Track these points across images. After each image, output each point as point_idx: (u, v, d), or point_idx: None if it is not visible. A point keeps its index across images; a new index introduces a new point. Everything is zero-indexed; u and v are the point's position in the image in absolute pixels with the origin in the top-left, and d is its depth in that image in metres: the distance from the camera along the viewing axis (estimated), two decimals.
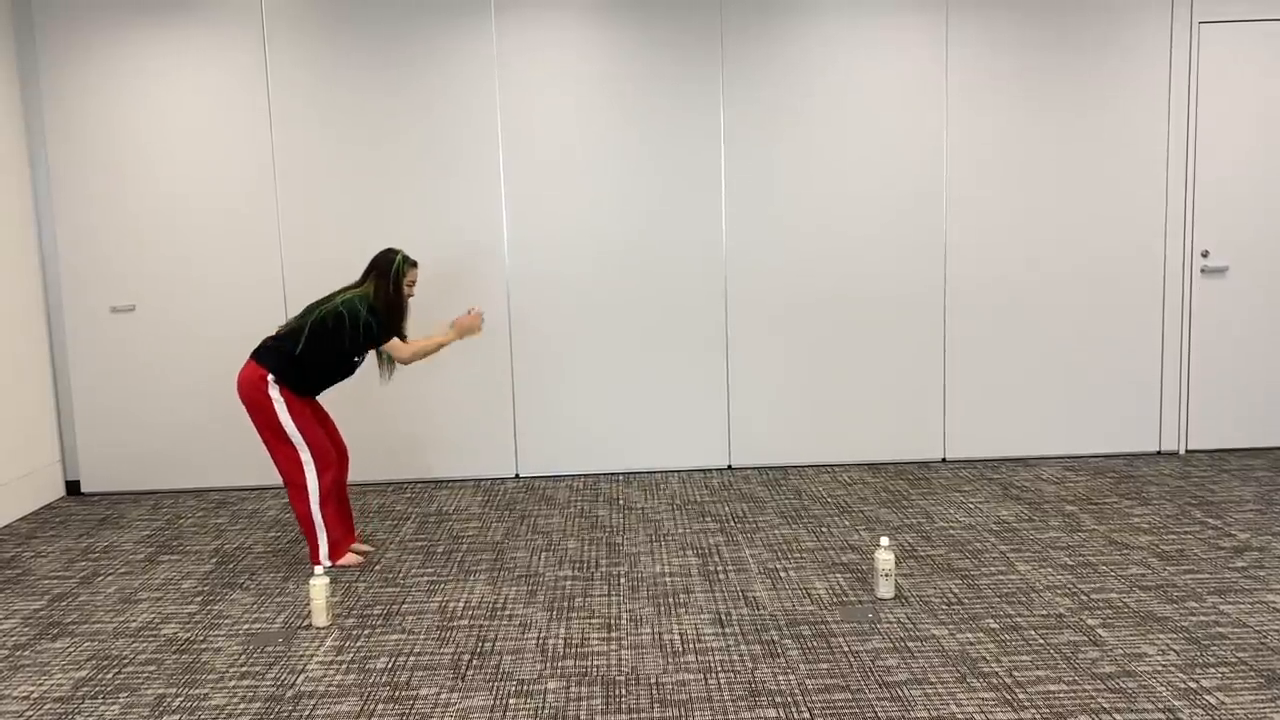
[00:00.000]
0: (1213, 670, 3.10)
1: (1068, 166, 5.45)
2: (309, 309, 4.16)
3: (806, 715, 2.91)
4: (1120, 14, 5.36)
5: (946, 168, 5.42)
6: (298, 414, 4.08)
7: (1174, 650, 3.24)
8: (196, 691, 3.17)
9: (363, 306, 4.10)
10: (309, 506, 4.12)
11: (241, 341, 5.37)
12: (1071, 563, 4.04)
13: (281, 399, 4.04)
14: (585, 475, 5.56)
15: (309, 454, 4.10)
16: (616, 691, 3.09)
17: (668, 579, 4.00)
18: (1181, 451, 5.64)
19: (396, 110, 5.29)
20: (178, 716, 3.01)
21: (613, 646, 3.40)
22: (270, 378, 4.04)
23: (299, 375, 4.09)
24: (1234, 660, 3.16)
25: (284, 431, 4.07)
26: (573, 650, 3.38)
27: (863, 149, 5.40)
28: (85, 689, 3.21)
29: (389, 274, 4.18)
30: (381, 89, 5.28)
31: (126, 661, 3.40)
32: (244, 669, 3.32)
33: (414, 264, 4.26)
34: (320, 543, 4.16)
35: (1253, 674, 3.07)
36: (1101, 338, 5.55)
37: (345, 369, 4.20)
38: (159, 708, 3.07)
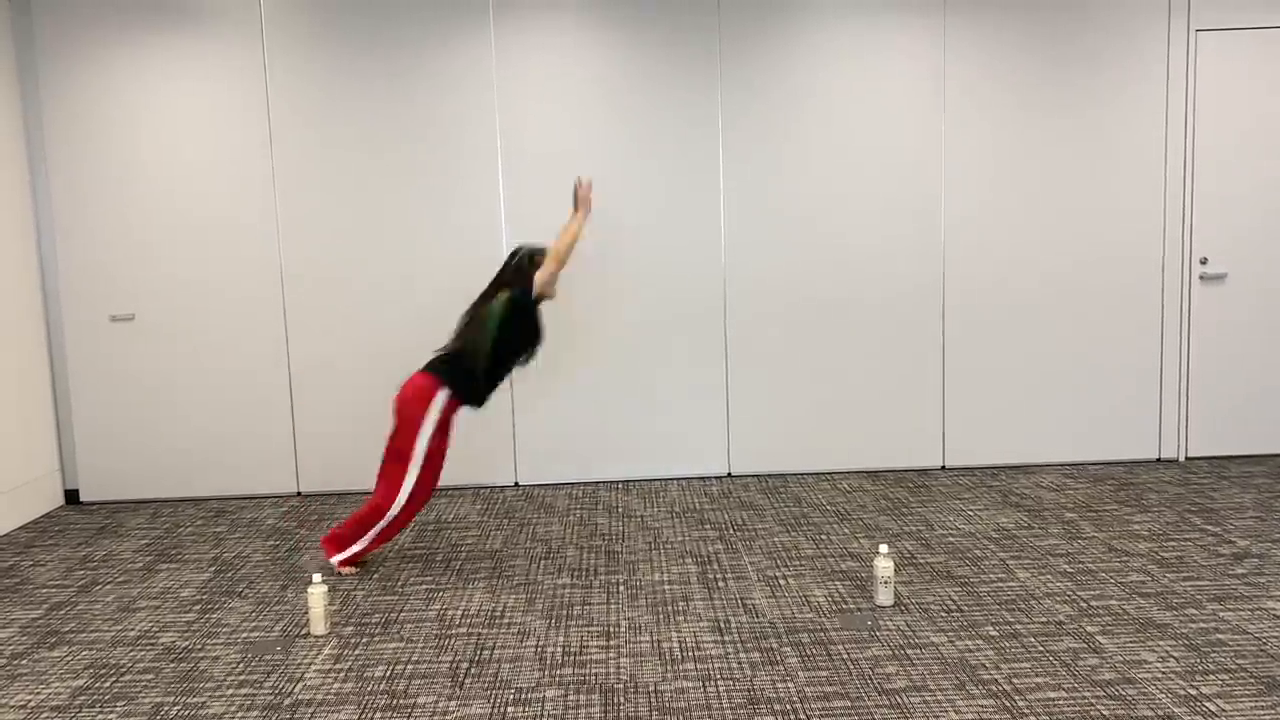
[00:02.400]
0: (1212, 677, 3.09)
1: (1066, 174, 5.45)
2: (470, 322, 4.23)
3: None
4: (1117, 22, 5.38)
5: (945, 175, 5.43)
6: (435, 444, 4.14)
7: (1174, 657, 3.24)
8: (194, 700, 3.16)
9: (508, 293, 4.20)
10: (376, 519, 4.16)
11: (242, 350, 5.38)
12: (1071, 570, 4.03)
13: (437, 416, 4.12)
14: (584, 483, 5.56)
15: (410, 488, 4.14)
16: (615, 699, 3.08)
17: (667, 587, 3.99)
18: (1181, 459, 5.64)
19: (395, 118, 5.30)
20: None
21: (611, 654, 3.40)
22: (442, 390, 4.12)
23: (470, 385, 4.16)
24: (1234, 667, 3.16)
25: (411, 451, 4.11)
26: (571, 658, 3.38)
27: (861, 155, 5.41)
28: (83, 698, 3.20)
29: (514, 264, 4.25)
30: (380, 97, 5.29)
31: (124, 670, 3.40)
32: (242, 677, 3.31)
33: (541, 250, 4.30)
34: (353, 548, 4.19)
35: (1253, 681, 3.06)
36: (1101, 344, 5.55)
37: (513, 360, 4.27)
38: (157, 716, 3.06)
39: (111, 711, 3.10)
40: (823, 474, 5.58)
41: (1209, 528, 4.49)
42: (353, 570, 4.24)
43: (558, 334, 5.44)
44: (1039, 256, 5.50)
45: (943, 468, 5.61)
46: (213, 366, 5.41)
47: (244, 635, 3.66)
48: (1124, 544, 4.31)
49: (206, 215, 5.34)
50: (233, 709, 3.09)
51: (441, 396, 4.12)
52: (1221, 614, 3.56)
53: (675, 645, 3.45)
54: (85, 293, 5.37)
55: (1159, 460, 5.64)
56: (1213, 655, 3.24)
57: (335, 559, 4.22)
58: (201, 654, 3.50)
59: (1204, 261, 5.53)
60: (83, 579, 4.31)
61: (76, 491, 5.51)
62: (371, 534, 4.18)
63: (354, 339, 5.42)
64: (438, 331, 5.39)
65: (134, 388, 5.43)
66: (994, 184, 5.45)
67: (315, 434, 5.46)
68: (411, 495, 4.15)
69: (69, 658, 3.51)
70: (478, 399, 4.23)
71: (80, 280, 5.36)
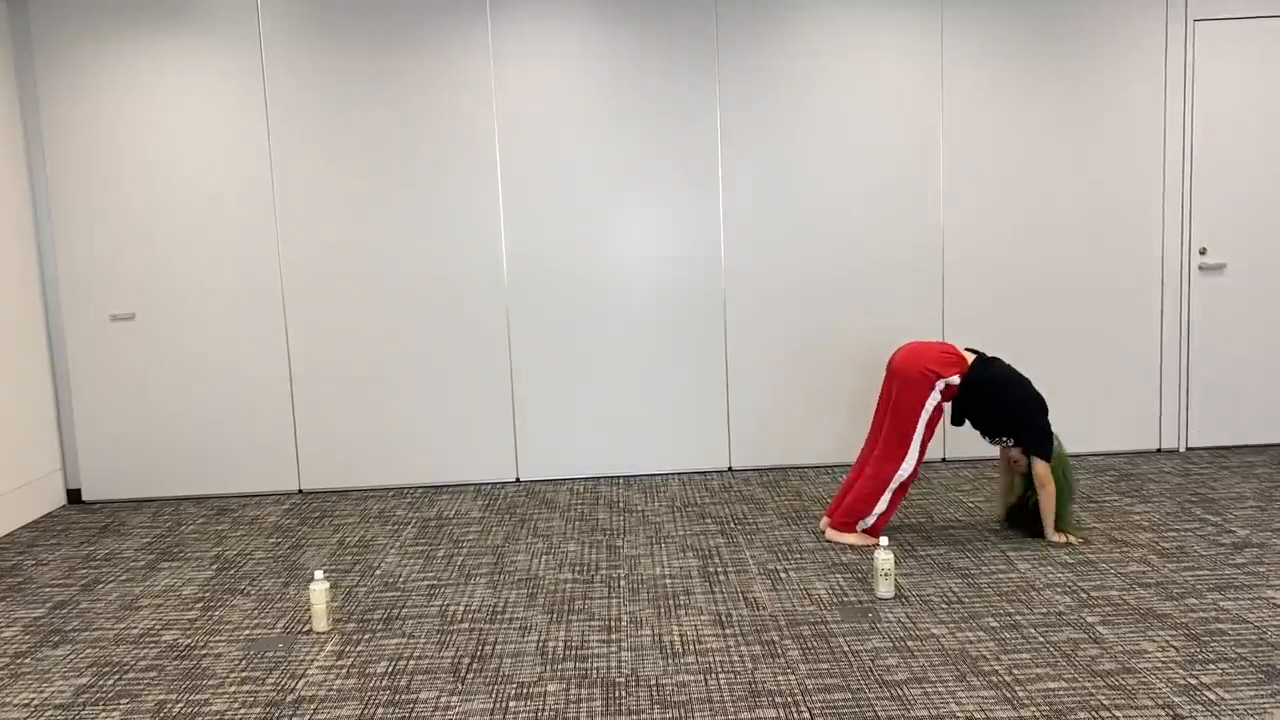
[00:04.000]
0: (1212, 666, 3.10)
1: (1064, 164, 5.45)
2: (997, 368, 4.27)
3: (806, 715, 2.91)
4: (1115, 11, 5.37)
5: (942, 165, 5.43)
6: (931, 426, 4.20)
7: (1174, 647, 3.24)
8: (197, 697, 3.17)
9: (1037, 411, 4.23)
10: (884, 484, 4.23)
11: (242, 348, 5.39)
12: (1071, 561, 4.03)
13: (933, 407, 4.17)
14: (586, 479, 5.56)
15: (911, 465, 4.21)
16: (616, 693, 3.09)
17: (668, 581, 4.00)
18: (1182, 449, 5.64)
19: (394, 115, 5.30)
20: None
21: (613, 649, 3.41)
22: (942, 384, 4.16)
23: (965, 404, 4.23)
24: (1234, 656, 3.16)
25: (908, 426, 4.19)
26: (573, 652, 3.39)
27: (859, 145, 5.41)
28: (86, 696, 3.21)
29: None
30: (378, 95, 5.29)
31: (127, 668, 3.41)
32: (245, 674, 3.32)
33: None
34: (875, 511, 4.26)
35: (1252, 669, 3.07)
36: (1100, 335, 5.55)
37: (991, 429, 4.30)
38: (160, 714, 3.07)
39: (115, 709, 3.12)
40: (823, 467, 5.59)
41: (1209, 517, 4.49)
42: (870, 542, 4.31)
43: (558, 330, 5.44)
44: (1038, 247, 5.50)
45: (944, 460, 5.62)
46: (213, 364, 5.42)
47: (246, 632, 3.67)
48: (1124, 534, 4.31)
49: (205, 214, 5.34)
50: (235, 706, 3.10)
51: (938, 392, 4.19)
52: (1221, 603, 3.56)
53: (676, 639, 3.46)
54: (85, 292, 5.38)
55: (1159, 451, 5.64)
56: (1212, 644, 3.25)
57: (857, 529, 4.32)
58: (204, 651, 3.52)
59: (1203, 252, 5.53)
60: (85, 578, 4.32)
61: (79, 491, 5.52)
62: (887, 496, 4.25)
63: (354, 335, 5.43)
64: (437, 327, 5.41)
65: (135, 387, 5.44)
66: (991, 174, 5.45)
67: (316, 431, 5.47)
68: (913, 469, 4.22)
69: (72, 656, 3.52)
70: (959, 419, 4.31)
71: (80, 280, 5.37)
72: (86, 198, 5.32)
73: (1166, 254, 5.52)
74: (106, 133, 5.29)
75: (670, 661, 3.28)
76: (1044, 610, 3.57)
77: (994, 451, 5.56)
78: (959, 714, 2.87)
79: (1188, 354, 5.58)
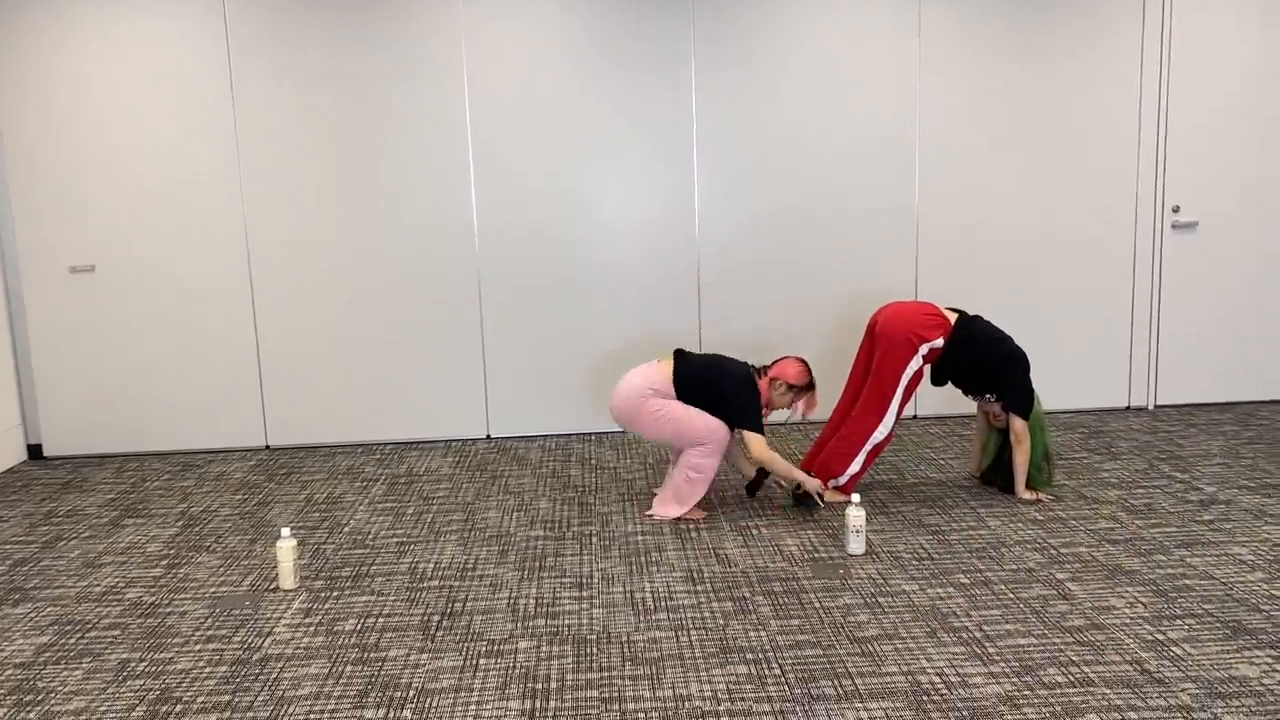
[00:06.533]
0: (1180, 622, 3.12)
1: (1039, 122, 5.41)
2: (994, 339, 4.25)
3: (778, 671, 2.91)
4: None
5: (918, 125, 5.38)
6: (910, 389, 4.16)
7: (1142, 603, 3.26)
8: (161, 656, 3.12)
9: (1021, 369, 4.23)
10: (859, 444, 4.21)
11: (206, 301, 5.28)
12: (1041, 518, 4.05)
13: (914, 370, 4.13)
14: (557, 435, 5.53)
15: (887, 428, 4.19)
16: (588, 650, 3.07)
17: (639, 538, 3.98)
18: (1150, 407, 5.68)
19: (362, 73, 5.16)
20: (142, 681, 2.97)
21: (584, 605, 3.39)
22: (925, 348, 4.11)
23: (950, 363, 4.22)
24: (1200, 612, 3.19)
25: (888, 388, 4.15)
26: (544, 610, 3.37)
27: (836, 105, 5.33)
28: (47, 655, 3.16)
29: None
30: (346, 51, 5.14)
31: (90, 626, 3.35)
32: (210, 633, 3.27)
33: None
34: (848, 471, 4.25)
35: (1219, 625, 3.10)
36: (1071, 293, 5.56)
37: (974, 386, 4.31)
38: (123, 672, 3.02)
39: (77, 668, 3.06)
40: (796, 424, 5.58)
41: (1177, 475, 4.53)
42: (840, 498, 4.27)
43: (528, 285, 5.37)
44: (1010, 205, 5.47)
45: (914, 416, 5.62)
46: (177, 317, 5.31)
47: (212, 590, 3.61)
48: (1093, 491, 4.34)
49: (168, 165, 5.20)
50: (200, 664, 3.06)
51: (920, 356, 4.15)
52: (1189, 560, 3.59)
53: (648, 595, 3.44)
54: (42, 244, 5.23)
55: (1128, 408, 5.67)
56: (1180, 600, 3.27)
57: (830, 485, 4.28)
58: (169, 609, 3.46)
59: (1176, 210, 5.53)
60: (47, 534, 4.24)
61: (40, 446, 5.41)
62: (862, 455, 4.23)
63: (323, 288, 5.33)
64: (408, 282, 5.32)
65: (97, 340, 5.32)
66: (967, 133, 5.40)
67: (284, 386, 5.39)
68: (888, 433, 4.22)
69: (33, 614, 3.46)
70: (940, 380, 4.34)
71: (36, 231, 5.22)
72: (41, 148, 5.15)
73: (1140, 212, 5.51)
74: (62, 82, 5.11)
75: (642, 618, 3.27)
76: (1014, 567, 3.58)
77: (964, 408, 5.57)
78: (930, 670, 2.88)
79: (1159, 312, 5.59)
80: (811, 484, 4.13)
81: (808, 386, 4.16)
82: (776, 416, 5.52)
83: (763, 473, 4.32)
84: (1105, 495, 4.29)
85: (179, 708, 2.81)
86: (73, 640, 3.25)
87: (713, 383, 4.09)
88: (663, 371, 4.12)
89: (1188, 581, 3.41)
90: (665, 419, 4.05)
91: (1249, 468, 4.59)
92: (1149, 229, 5.53)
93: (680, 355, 4.18)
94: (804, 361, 4.18)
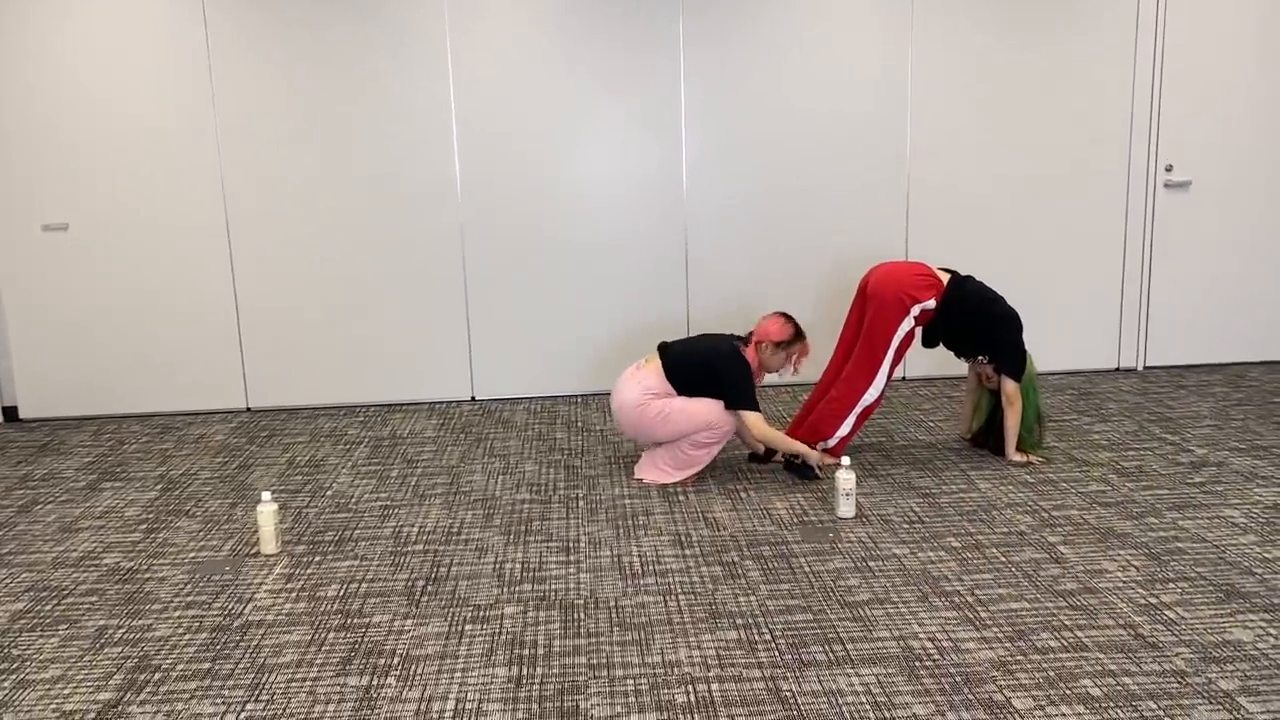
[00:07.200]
0: (1172, 585, 3.10)
1: (1031, 81, 5.32)
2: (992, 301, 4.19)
3: (768, 636, 2.87)
4: None
5: (910, 83, 5.28)
6: (901, 351, 4.10)
7: (1134, 566, 3.24)
8: (140, 623, 3.06)
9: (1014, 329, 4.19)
10: (849, 406, 4.13)
11: (184, 260, 5.16)
12: (1032, 480, 4.02)
13: (905, 332, 4.07)
14: (543, 398, 5.46)
15: (877, 391, 4.12)
16: (575, 615, 3.03)
17: (626, 501, 3.93)
18: (1139, 368, 5.65)
19: (343, 26, 5.01)
20: (120, 649, 2.91)
21: (571, 570, 3.34)
22: (917, 309, 4.03)
23: (943, 323, 4.15)
24: (1193, 575, 3.16)
25: (879, 349, 4.07)
26: (530, 574, 3.32)
27: (826, 63, 5.23)
28: (23, 621, 3.09)
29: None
30: (328, 12, 5.00)
31: (67, 592, 3.28)
32: (189, 599, 3.21)
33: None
34: (837, 433, 4.17)
35: (1211, 588, 3.07)
36: (1062, 252, 5.50)
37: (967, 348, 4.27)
38: (100, 639, 2.96)
39: (53, 635, 3.00)
40: (782, 386, 5.53)
41: (1168, 437, 4.50)
42: (833, 464, 4.16)
43: (512, 245, 5.27)
44: (1002, 164, 5.39)
45: (904, 378, 5.58)
46: (155, 276, 5.20)
47: (191, 555, 3.55)
48: (1084, 454, 4.30)
49: (142, 122, 5.06)
50: (180, 631, 3.00)
51: (911, 318, 4.08)
52: (1181, 522, 3.57)
53: (636, 559, 3.40)
54: (13, 201, 5.09)
55: (1117, 370, 5.64)
56: (1172, 564, 3.25)
57: (818, 448, 4.20)
58: (147, 575, 3.40)
59: (1169, 169, 5.46)
60: (22, 499, 4.16)
61: (15, 408, 5.31)
62: (852, 417, 4.16)
63: (303, 248, 5.22)
64: (390, 242, 5.22)
65: (72, 300, 5.20)
66: (958, 91, 5.30)
67: (265, 347, 5.29)
68: (877, 397, 4.16)
69: (8, 580, 3.39)
70: (930, 342, 4.29)
71: (6, 189, 5.08)
72: (11, 103, 5.00)
73: (1132, 171, 5.45)
74: (33, 35, 4.94)
75: (629, 582, 3.23)
76: (1005, 530, 3.55)
77: (953, 370, 5.53)
78: (922, 635, 2.85)
79: (1150, 272, 5.55)
80: (813, 456, 4.09)
81: (794, 338, 4.07)
82: (777, 379, 5.47)
83: (771, 450, 4.28)
84: (1096, 457, 4.26)
85: (158, 676, 2.76)
86: (49, 607, 3.19)
87: (703, 365, 4.00)
88: (653, 371, 4.03)
89: (1180, 544, 3.39)
90: (672, 417, 3.95)
91: (1239, 429, 4.57)
92: (1141, 189, 5.46)
93: (664, 349, 4.09)
94: (784, 315, 4.10)
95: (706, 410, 3.95)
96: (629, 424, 4.02)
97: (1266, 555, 3.29)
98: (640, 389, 3.99)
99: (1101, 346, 5.61)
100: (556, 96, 5.16)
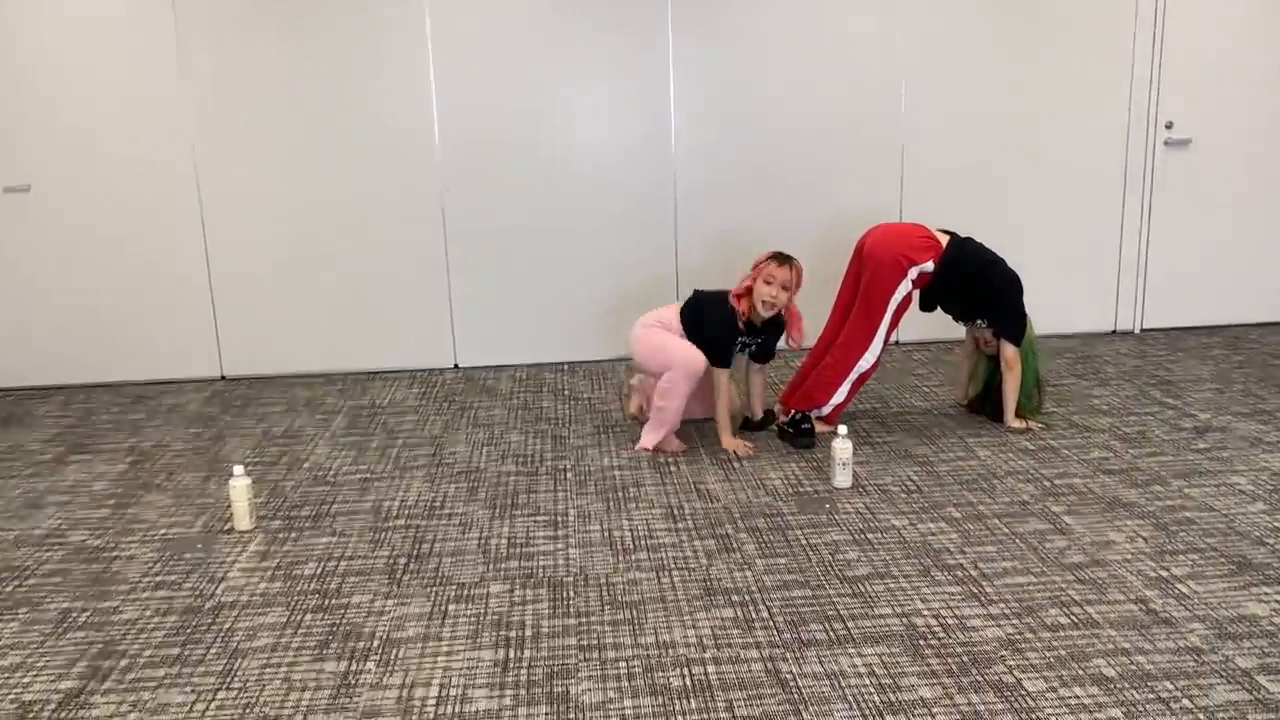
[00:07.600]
0: (1183, 557, 2.99)
1: (1028, 34, 5.15)
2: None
3: (765, 614, 2.75)
4: None
5: (903, 39, 5.10)
6: (898, 315, 3.99)
7: (1142, 537, 3.13)
8: (106, 605, 2.91)
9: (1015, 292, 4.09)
10: (844, 372, 4.01)
11: (154, 222, 4.96)
12: (1033, 447, 3.91)
13: (903, 295, 3.94)
14: (529, 365, 5.31)
15: (874, 356, 4.01)
16: (564, 593, 2.90)
17: (616, 473, 3.80)
18: (1137, 331, 5.53)
19: None
20: (84, 633, 2.76)
21: (559, 545, 3.21)
22: (915, 271, 3.88)
23: (942, 285, 3.99)
24: (1203, 546, 3.06)
25: (875, 313, 3.94)
26: (517, 550, 3.18)
27: (819, 22, 5.04)
28: None
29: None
30: None
31: (28, 573, 3.13)
32: (159, 578, 3.07)
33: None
34: (832, 400, 4.05)
35: (1223, 560, 2.97)
36: (1060, 212, 5.36)
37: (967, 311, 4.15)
38: (63, 623, 2.82)
39: (13, 619, 2.85)
40: (779, 352, 5.38)
41: (1169, 401, 4.39)
42: (826, 429, 4.02)
43: (497, 210, 5.10)
44: (999, 124, 5.24)
45: (898, 343, 5.45)
46: (123, 240, 5.00)
47: (162, 532, 3.40)
48: (1085, 419, 4.19)
49: (107, 80, 4.84)
50: (148, 613, 2.86)
51: (909, 281, 3.96)
52: (1187, 491, 3.46)
53: (627, 534, 3.27)
54: None
55: (1114, 332, 5.53)
56: (1181, 534, 3.14)
57: (815, 411, 4.08)
58: (115, 553, 3.25)
59: (1169, 126, 5.32)
60: None
61: None
62: (846, 385, 4.05)
63: (278, 210, 5.02)
64: (368, 204, 5.03)
65: (37, 265, 5.00)
66: (953, 46, 5.13)
67: (239, 313, 5.11)
68: (876, 360, 4.06)
69: None
70: (928, 305, 4.15)
71: None
72: None
73: (1132, 128, 5.30)
74: None
75: (620, 558, 3.10)
76: (1007, 499, 3.44)
77: (949, 333, 5.39)
78: (925, 612, 2.73)
79: (1148, 232, 5.42)
80: (726, 441, 4.01)
81: (770, 258, 3.91)
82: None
83: (770, 414, 4.18)
84: (1097, 423, 4.14)
85: (124, 662, 2.61)
86: (9, 588, 3.03)
87: (699, 310, 3.98)
88: (674, 309, 4.05)
89: (1188, 514, 3.28)
90: (659, 351, 3.93)
91: (1241, 393, 4.46)
92: (1140, 146, 5.32)
93: (695, 294, 4.09)
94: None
95: (679, 352, 3.88)
96: (634, 347, 4.04)
97: (1277, 525, 3.19)
98: (654, 317, 4.03)
99: (1099, 308, 5.49)
100: (539, 52, 4.96)
